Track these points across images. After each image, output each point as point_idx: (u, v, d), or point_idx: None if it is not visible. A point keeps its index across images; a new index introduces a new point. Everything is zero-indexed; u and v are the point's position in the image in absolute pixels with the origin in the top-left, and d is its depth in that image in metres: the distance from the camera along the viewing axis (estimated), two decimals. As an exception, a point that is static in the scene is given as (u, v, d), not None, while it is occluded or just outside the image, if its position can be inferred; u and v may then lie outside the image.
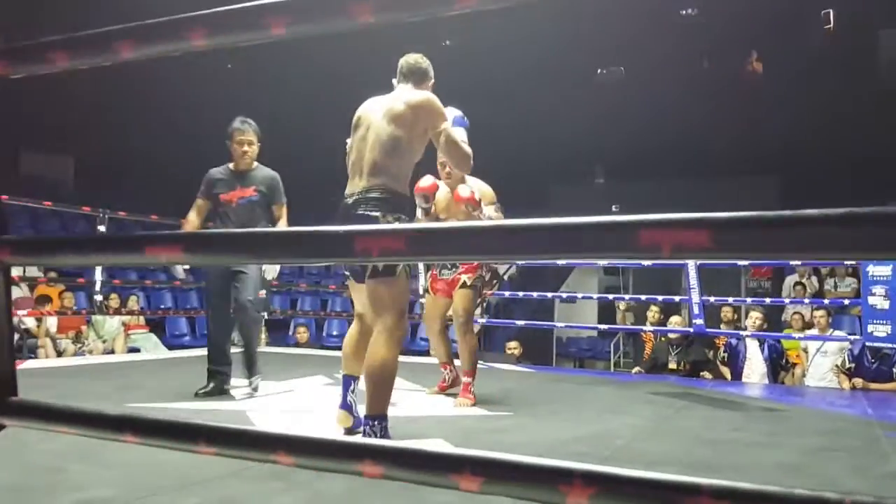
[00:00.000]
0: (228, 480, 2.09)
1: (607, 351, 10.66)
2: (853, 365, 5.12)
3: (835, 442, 3.03)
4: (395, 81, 2.83)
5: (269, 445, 0.91)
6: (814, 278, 8.78)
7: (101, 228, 6.03)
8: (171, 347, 7.72)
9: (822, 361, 5.62)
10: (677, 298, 6.42)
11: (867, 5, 10.16)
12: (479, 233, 0.78)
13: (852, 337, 5.55)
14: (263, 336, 6.71)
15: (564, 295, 9.57)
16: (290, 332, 8.53)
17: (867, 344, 4.99)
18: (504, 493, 0.78)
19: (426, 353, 4.09)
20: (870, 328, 4.92)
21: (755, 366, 5.61)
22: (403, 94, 2.68)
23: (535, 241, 0.72)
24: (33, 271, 7.38)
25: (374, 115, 2.66)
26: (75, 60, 0.98)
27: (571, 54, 11.07)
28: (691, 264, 5.40)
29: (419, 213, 3.53)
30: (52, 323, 7.13)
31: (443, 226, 0.83)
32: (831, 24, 10.42)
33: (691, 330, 5.65)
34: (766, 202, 10.03)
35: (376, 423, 2.49)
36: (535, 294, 7.70)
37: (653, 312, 6.56)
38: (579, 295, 9.42)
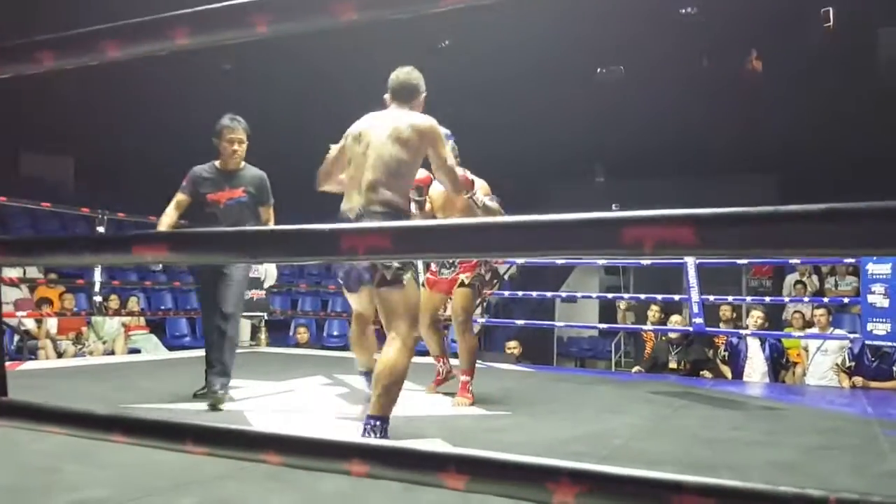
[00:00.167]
0: (224, 481, 2.09)
1: (608, 350, 10.67)
2: (853, 363, 5.12)
3: (833, 440, 3.03)
4: (386, 97, 2.85)
5: (257, 445, 0.91)
6: (814, 277, 8.77)
7: (100, 229, 6.02)
8: (171, 348, 7.73)
9: (822, 360, 5.61)
10: (677, 297, 6.40)
11: (867, 4, 10.15)
12: (462, 230, 0.78)
13: (852, 335, 5.53)
14: (264, 336, 6.71)
15: (564, 294, 9.57)
16: (291, 333, 8.53)
17: (867, 342, 4.98)
18: (490, 491, 0.78)
19: (426, 353, 4.09)
20: (869, 326, 4.91)
21: (756, 365, 5.61)
22: (408, 118, 2.74)
23: (517, 238, 0.72)
24: (33, 272, 7.40)
25: (377, 133, 2.70)
26: (62, 60, 0.98)
27: (571, 54, 11.06)
28: (691, 263, 5.38)
29: (413, 206, 3.52)
30: (52, 324, 7.15)
31: (428, 223, 0.83)
32: (831, 23, 10.40)
33: (691, 329, 5.64)
34: (765, 201, 9.92)
35: (378, 423, 2.53)
36: (535, 293, 7.69)
37: (653, 312, 6.55)
38: (579, 294, 9.42)
